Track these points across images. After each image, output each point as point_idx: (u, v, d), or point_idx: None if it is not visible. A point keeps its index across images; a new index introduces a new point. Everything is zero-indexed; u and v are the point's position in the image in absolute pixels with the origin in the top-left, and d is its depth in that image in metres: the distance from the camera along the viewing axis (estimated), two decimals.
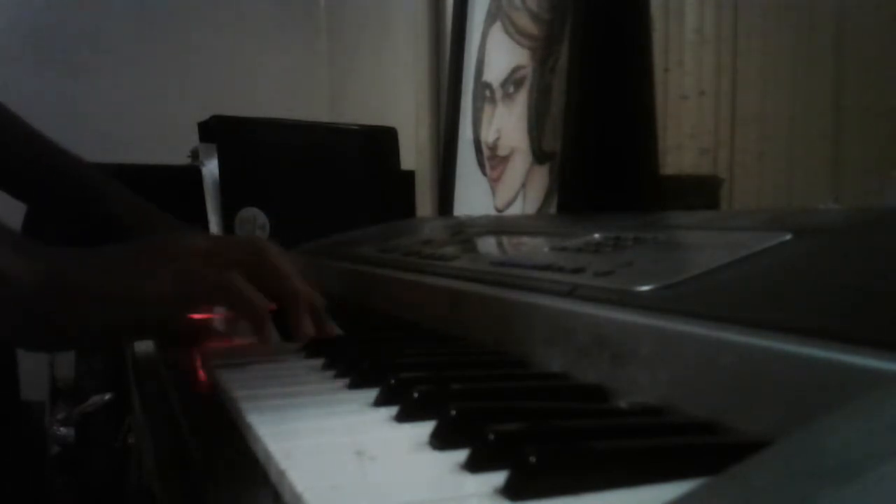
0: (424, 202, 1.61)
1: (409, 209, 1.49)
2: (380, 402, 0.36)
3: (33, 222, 0.88)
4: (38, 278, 0.46)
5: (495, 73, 1.04)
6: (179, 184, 1.25)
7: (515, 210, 0.97)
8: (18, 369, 0.73)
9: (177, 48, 2.22)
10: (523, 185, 0.95)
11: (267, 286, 0.52)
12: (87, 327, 0.48)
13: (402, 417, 0.34)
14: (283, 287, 0.54)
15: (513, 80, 0.99)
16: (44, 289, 0.46)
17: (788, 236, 0.40)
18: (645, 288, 0.40)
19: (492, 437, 0.27)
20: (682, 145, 1.01)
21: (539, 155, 0.92)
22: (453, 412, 0.30)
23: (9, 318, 0.46)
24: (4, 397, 0.64)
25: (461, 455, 0.27)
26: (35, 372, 1.40)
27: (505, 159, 1.00)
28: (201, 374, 0.51)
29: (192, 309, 0.52)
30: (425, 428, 0.31)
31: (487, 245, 0.74)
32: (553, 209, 0.87)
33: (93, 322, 0.48)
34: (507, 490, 0.24)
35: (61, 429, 1.33)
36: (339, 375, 0.43)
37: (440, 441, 0.29)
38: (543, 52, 0.92)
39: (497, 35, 1.04)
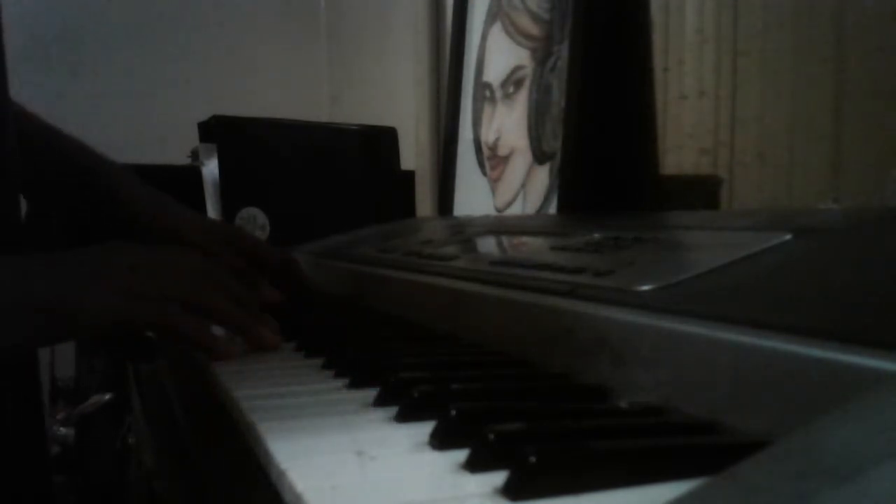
0: (424, 202, 1.61)
1: (409, 209, 1.49)
2: (379, 402, 0.36)
3: (35, 215, 0.86)
4: None
5: (495, 73, 1.04)
6: (179, 184, 1.25)
7: (515, 210, 0.97)
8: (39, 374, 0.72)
9: (177, 48, 2.22)
10: (523, 185, 0.95)
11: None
12: (11, 341, 0.47)
13: (401, 417, 0.34)
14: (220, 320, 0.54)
15: (513, 80, 0.99)
16: None
17: (788, 236, 0.40)
18: (645, 288, 0.40)
19: (492, 437, 0.27)
20: (682, 145, 1.01)
21: (539, 155, 0.92)
22: (453, 412, 0.30)
23: None
24: (24, 401, 0.63)
25: (461, 455, 0.27)
26: None
27: (505, 159, 1.00)
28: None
29: (121, 331, 0.51)
30: (425, 428, 0.31)
31: (487, 245, 0.74)
32: (553, 209, 0.87)
33: (16, 336, 0.47)
34: (507, 490, 0.24)
35: (61, 429, 1.33)
36: (338, 375, 0.43)
37: (440, 441, 0.29)
38: (543, 52, 0.92)
39: (497, 35, 1.04)
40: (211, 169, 1.23)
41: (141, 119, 2.07)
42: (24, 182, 0.62)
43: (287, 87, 2.30)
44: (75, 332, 0.50)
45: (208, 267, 0.56)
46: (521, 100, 0.96)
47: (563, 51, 0.87)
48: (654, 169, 0.83)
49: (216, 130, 1.25)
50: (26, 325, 0.47)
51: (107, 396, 1.23)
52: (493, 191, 1.02)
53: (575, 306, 0.41)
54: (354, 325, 0.64)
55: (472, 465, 0.27)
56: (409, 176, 1.57)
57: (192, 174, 1.25)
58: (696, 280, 0.39)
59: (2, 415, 0.59)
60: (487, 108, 1.05)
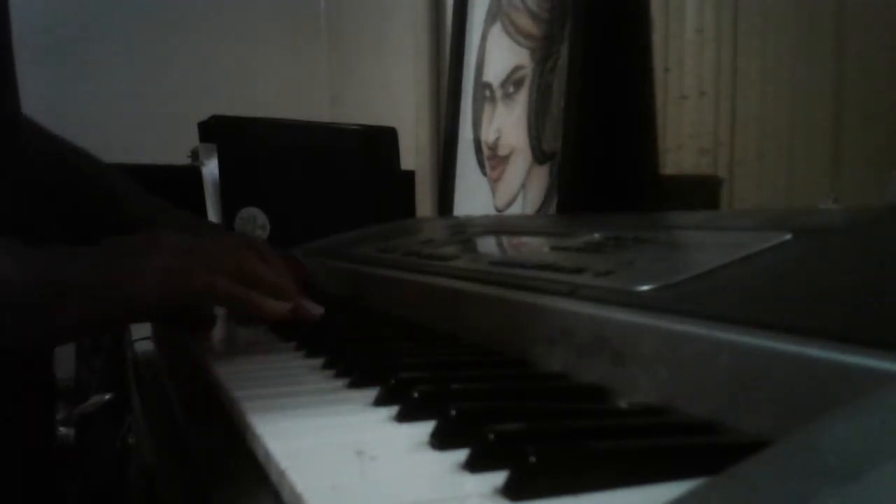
0: (424, 202, 1.61)
1: (409, 209, 1.49)
2: (380, 402, 0.36)
3: (32, 221, 0.86)
4: (26, 276, 0.47)
5: (495, 73, 1.04)
6: (179, 184, 1.25)
7: (515, 210, 0.97)
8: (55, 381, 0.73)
9: (177, 48, 2.22)
10: (523, 185, 0.95)
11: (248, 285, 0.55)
12: (74, 321, 0.49)
13: (402, 417, 0.34)
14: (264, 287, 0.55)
15: (513, 80, 0.99)
16: (31, 285, 0.47)
17: (788, 236, 0.40)
18: (645, 288, 0.40)
19: (492, 437, 0.27)
20: (682, 145, 1.01)
21: (539, 155, 0.92)
22: (453, 412, 0.30)
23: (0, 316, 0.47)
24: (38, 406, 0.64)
25: (461, 455, 0.27)
26: None
27: (505, 159, 1.00)
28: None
29: (176, 306, 0.53)
30: (425, 428, 0.31)
31: (487, 245, 0.74)
32: (553, 209, 0.87)
33: (80, 316, 0.48)
34: (507, 490, 0.24)
35: (61, 429, 1.33)
36: (339, 375, 0.43)
37: (440, 441, 0.29)
38: (543, 52, 0.92)
39: (497, 35, 1.04)
40: (211, 169, 1.23)
41: (141, 119, 2.07)
42: (26, 187, 0.62)
43: (287, 87, 2.30)
44: (129, 310, 0.51)
45: (250, 243, 0.59)
46: (521, 100, 0.96)
47: (563, 51, 0.87)
48: (654, 169, 0.83)
49: (216, 130, 1.25)
50: (81, 307, 0.48)
51: (107, 396, 1.23)
52: (493, 191, 1.02)
53: (575, 306, 0.41)
54: (354, 325, 0.64)
55: (472, 465, 0.27)
56: (409, 176, 1.57)
57: (192, 174, 1.25)
58: (696, 280, 0.39)
59: (13, 413, 0.59)
60: (487, 108, 1.05)
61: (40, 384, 0.64)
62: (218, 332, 0.63)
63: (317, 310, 0.58)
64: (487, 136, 1.05)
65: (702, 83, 1.00)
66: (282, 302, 0.55)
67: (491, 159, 1.03)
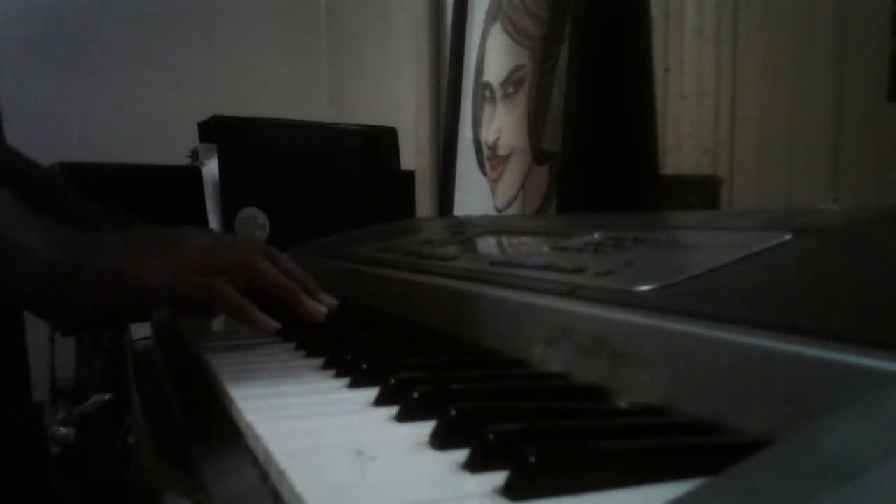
0: (424, 202, 1.61)
1: (409, 209, 1.49)
2: (380, 402, 0.36)
3: None
4: (54, 255, 0.52)
5: (495, 73, 1.04)
6: (179, 184, 1.25)
7: (515, 210, 0.97)
8: (29, 371, 0.75)
9: (177, 48, 2.22)
10: (523, 185, 0.95)
11: (256, 289, 0.58)
12: (91, 302, 0.53)
13: (402, 417, 0.34)
14: (271, 290, 0.59)
15: (513, 80, 0.99)
16: (58, 264, 0.52)
17: (788, 236, 0.40)
18: (645, 288, 0.40)
19: (492, 437, 0.27)
20: (682, 145, 1.01)
21: (539, 155, 0.92)
22: (453, 412, 0.30)
23: (25, 288, 0.52)
24: (13, 398, 0.66)
25: (461, 455, 0.27)
26: (35, 372, 1.40)
27: (505, 159, 1.00)
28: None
29: (181, 307, 0.57)
30: (425, 428, 0.31)
31: (487, 245, 0.74)
32: (553, 209, 0.87)
33: (96, 298, 0.53)
34: (507, 490, 0.24)
35: (61, 429, 1.33)
36: (339, 375, 0.43)
37: (440, 441, 0.29)
38: (543, 52, 0.92)
39: (497, 35, 1.04)
40: (211, 169, 1.23)
41: (141, 119, 2.07)
42: None
43: (287, 87, 2.30)
44: (136, 299, 0.55)
45: (265, 249, 0.62)
46: (521, 100, 0.96)
47: (563, 51, 0.87)
48: (654, 169, 0.83)
49: (216, 130, 1.25)
50: (93, 290, 0.53)
51: (107, 396, 1.23)
52: (493, 191, 1.03)
53: (575, 306, 0.41)
54: (354, 325, 0.64)
55: (472, 465, 0.27)
56: (409, 176, 1.56)
57: (192, 174, 1.25)
58: (696, 280, 0.39)
59: None
60: (487, 108, 1.05)
61: (15, 381, 0.65)
62: (218, 330, 0.63)
63: (327, 303, 0.61)
64: (487, 136, 1.05)
65: (702, 83, 1.00)
66: (271, 324, 0.56)
67: (491, 159, 1.04)
